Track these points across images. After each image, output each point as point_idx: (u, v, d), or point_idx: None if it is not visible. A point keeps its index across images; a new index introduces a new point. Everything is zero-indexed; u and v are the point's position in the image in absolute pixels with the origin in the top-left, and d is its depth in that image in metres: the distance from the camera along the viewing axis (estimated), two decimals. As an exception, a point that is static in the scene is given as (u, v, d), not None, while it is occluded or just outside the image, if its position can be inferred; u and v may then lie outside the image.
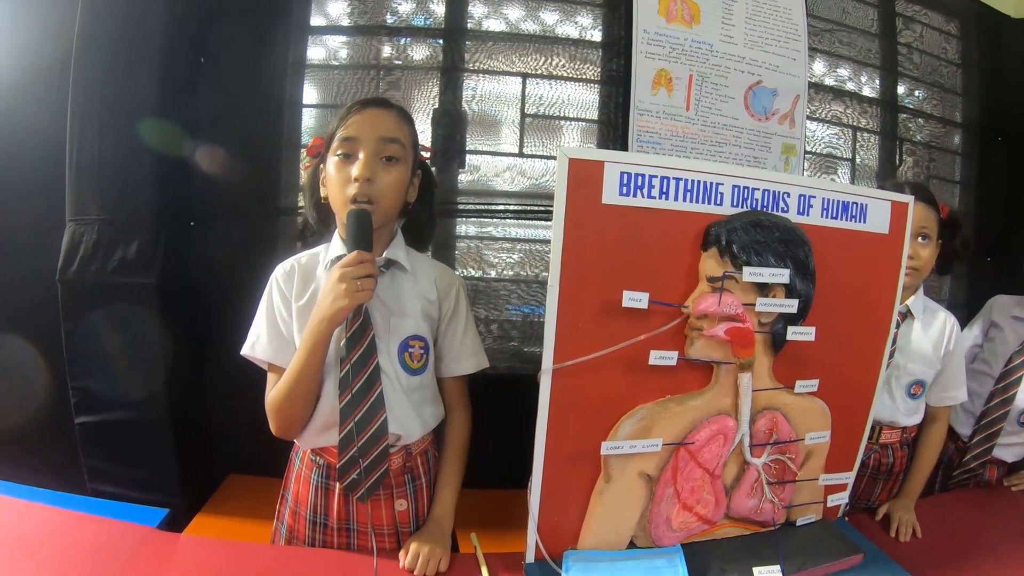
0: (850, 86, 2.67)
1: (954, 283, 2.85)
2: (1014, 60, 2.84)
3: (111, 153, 1.96)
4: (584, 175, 1.12)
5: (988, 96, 2.87)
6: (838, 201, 1.32)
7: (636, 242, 1.17)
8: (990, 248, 2.75)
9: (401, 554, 1.30)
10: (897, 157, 2.74)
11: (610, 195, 1.14)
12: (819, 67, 2.58)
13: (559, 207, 1.11)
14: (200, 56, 2.12)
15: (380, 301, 1.33)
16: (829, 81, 2.62)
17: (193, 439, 2.14)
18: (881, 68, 2.71)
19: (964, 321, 2.07)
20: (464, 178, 2.39)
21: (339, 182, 1.29)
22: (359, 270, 1.20)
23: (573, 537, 1.28)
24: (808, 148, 2.47)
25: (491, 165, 2.40)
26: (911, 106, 2.80)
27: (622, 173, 1.14)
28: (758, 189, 1.25)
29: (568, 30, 2.37)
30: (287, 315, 1.35)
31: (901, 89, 2.76)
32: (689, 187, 1.19)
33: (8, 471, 1.63)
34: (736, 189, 1.23)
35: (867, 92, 2.72)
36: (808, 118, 2.40)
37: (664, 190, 1.17)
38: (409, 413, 1.37)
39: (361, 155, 1.28)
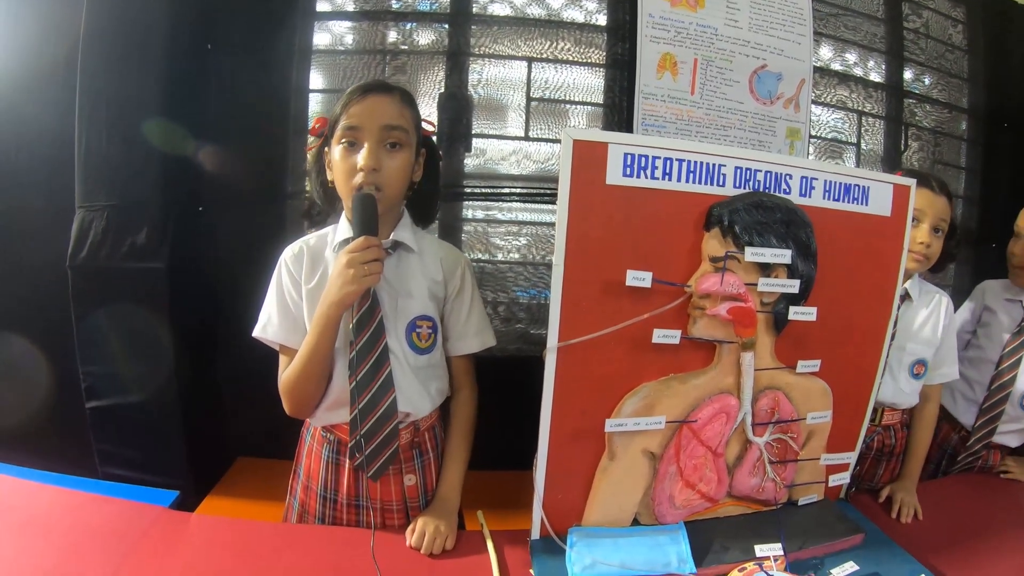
0: (856, 71, 2.66)
1: (959, 268, 2.85)
2: (1021, 46, 2.82)
3: (119, 140, 1.97)
4: (588, 156, 1.14)
5: (994, 82, 2.85)
6: (840, 183, 1.33)
7: (640, 222, 1.19)
8: (995, 234, 2.74)
9: (408, 532, 1.32)
10: (902, 142, 2.73)
11: (614, 176, 1.15)
12: (824, 52, 2.57)
13: (563, 188, 1.13)
14: (207, 43, 2.13)
15: (387, 282, 1.35)
16: (834, 66, 2.61)
17: (202, 422, 2.16)
18: (887, 53, 2.69)
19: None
20: (470, 162, 2.39)
21: (345, 170, 1.30)
22: (366, 255, 1.22)
23: (578, 514, 1.30)
24: (813, 132, 2.47)
25: (497, 149, 2.40)
26: (917, 91, 2.79)
27: (626, 154, 1.16)
28: (760, 171, 1.26)
29: (573, 14, 2.37)
30: (297, 297, 1.37)
31: (907, 74, 2.75)
32: (692, 168, 1.21)
33: (20, 456, 1.65)
34: (739, 171, 1.24)
35: (872, 77, 2.71)
36: (813, 102, 2.40)
37: (667, 171, 1.19)
38: (418, 391, 1.39)
39: (366, 144, 1.29)
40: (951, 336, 1.76)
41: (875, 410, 1.69)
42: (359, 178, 1.28)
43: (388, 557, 1.25)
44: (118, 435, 2.06)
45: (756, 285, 1.25)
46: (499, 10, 2.35)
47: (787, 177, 1.28)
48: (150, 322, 2.01)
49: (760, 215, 1.23)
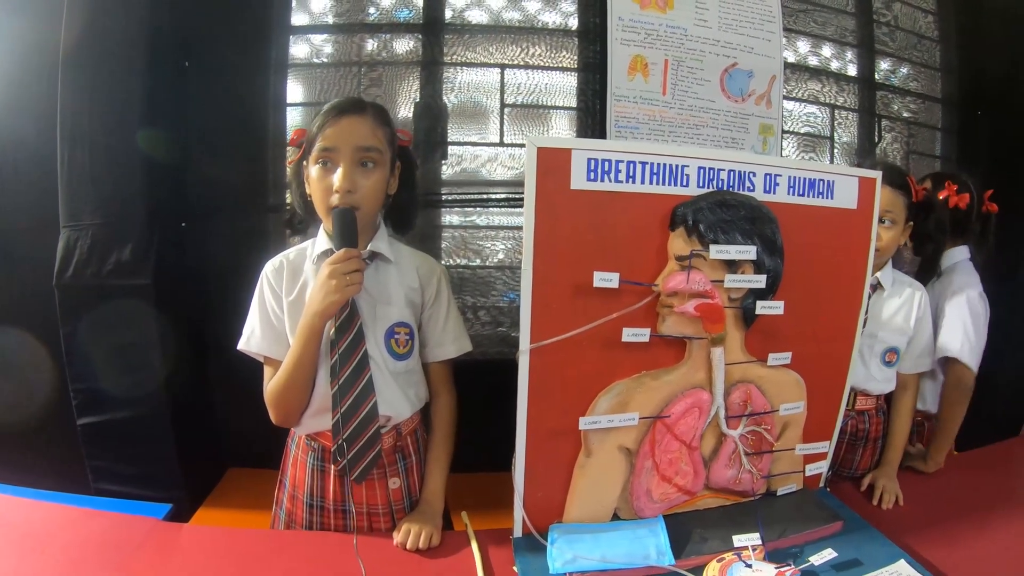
0: (827, 65, 2.69)
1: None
2: (992, 35, 2.84)
3: (102, 159, 1.99)
4: (552, 163, 1.17)
5: (966, 70, 2.87)
6: (804, 178, 1.35)
7: (606, 225, 1.22)
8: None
9: (394, 534, 1.36)
10: (876, 134, 2.76)
11: (578, 181, 1.18)
12: (795, 47, 2.60)
13: (529, 194, 1.16)
14: (184, 60, 2.16)
15: (366, 291, 1.38)
16: (805, 61, 2.64)
17: (193, 435, 2.18)
18: (858, 46, 2.72)
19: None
20: (448, 169, 2.42)
21: (322, 190, 1.34)
22: (347, 266, 1.26)
23: (558, 511, 1.33)
24: (786, 127, 2.50)
25: (474, 155, 2.43)
26: (889, 83, 2.82)
27: (589, 159, 1.18)
28: (723, 170, 1.29)
29: (544, 19, 2.39)
30: (279, 310, 1.41)
31: (879, 66, 2.78)
32: (655, 170, 1.23)
33: (14, 475, 1.67)
34: (702, 170, 1.27)
35: (844, 70, 2.73)
36: (785, 98, 2.42)
37: (631, 174, 1.22)
38: (397, 395, 1.42)
39: (341, 165, 1.33)
40: (926, 328, 1.78)
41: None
42: (335, 199, 1.32)
43: (376, 559, 1.28)
44: (110, 451, 2.07)
45: (723, 282, 1.28)
46: (472, 18, 2.37)
47: (750, 175, 1.31)
48: (138, 338, 2.03)
49: (724, 213, 1.26)
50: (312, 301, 1.29)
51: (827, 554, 1.29)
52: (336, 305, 1.28)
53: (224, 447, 2.32)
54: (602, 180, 1.20)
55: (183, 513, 1.93)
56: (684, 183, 1.26)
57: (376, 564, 1.27)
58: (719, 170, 1.28)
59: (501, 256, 2.45)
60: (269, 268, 1.44)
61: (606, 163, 1.19)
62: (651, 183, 1.23)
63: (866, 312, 1.53)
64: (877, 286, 1.73)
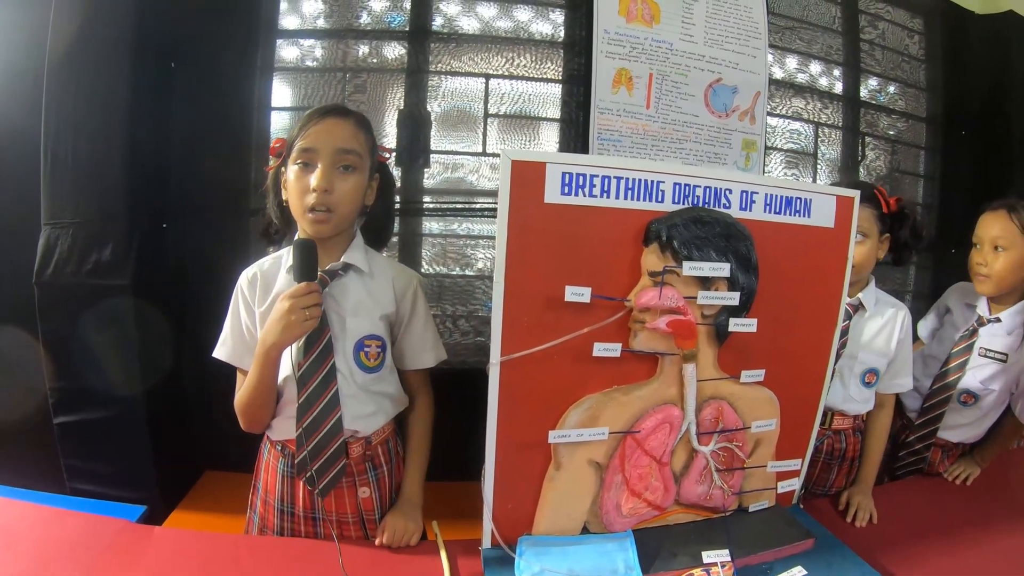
0: (812, 82, 2.71)
1: (918, 274, 2.90)
2: (977, 55, 2.87)
3: (85, 158, 2.00)
4: (526, 176, 1.16)
5: (951, 91, 2.90)
6: (781, 196, 1.35)
7: (579, 239, 1.21)
8: (955, 239, 2.79)
9: (378, 533, 1.37)
10: (859, 152, 2.78)
11: (552, 195, 1.18)
12: (780, 64, 2.62)
13: (503, 207, 1.16)
14: (170, 61, 2.16)
15: (337, 303, 1.38)
16: (790, 78, 2.66)
17: (169, 437, 2.17)
18: (843, 64, 2.74)
19: (926, 310, 2.11)
20: (430, 178, 2.42)
21: (298, 191, 1.34)
22: (305, 300, 1.25)
23: (528, 523, 1.32)
24: (769, 143, 2.51)
25: (456, 164, 2.43)
26: (874, 101, 2.84)
27: (563, 173, 1.18)
28: (699, 186, 1.28)
29: (530, 31, 2.41)
30: (250, 321, 1.41)
31: (864, 84, 2.80)
32: (630, 185, 1.23)
33: (-12, 473, 1.66)
34: (677, 186, 1.27)
35: (829, 88, 2.75)
36: (769, 114, 2.44)
37: (605, 189, 1.21)
38: (367, 408, 1.42)
39: (319, 166, 1.32)
40: (907, 349, 1.78)
41: (825, 414, 1.72)
42: (311, 199, 1.32)
43: (345, 568, 1.27)
44: (86, 450, 2.07)
45: (696, 298, 1.28)
46: (459, 27, 2.38)
47: (727, 192, 1.31)
48: (116, 338, 2.03)
49: (699, 230, 1.26)
50: (268, 331, 1.28)
51: (797, 571, 1.29)
52: (292, 339, 1.28)
53: (201, 449, 2.31)
54: (576, 194, 1.19)
55: (158, 514, 1.93)
56: (659, 199, 1.26)
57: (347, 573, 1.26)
58: (695, 186, 1.28)
59: (481, 265, 2.45)
60: (243, 279, 1.43)
61: (581, 177, 1.19)
62: (626, 198, 1.23)
63: (845, 332, 1.53)
64: (859, 306, 1.73)
